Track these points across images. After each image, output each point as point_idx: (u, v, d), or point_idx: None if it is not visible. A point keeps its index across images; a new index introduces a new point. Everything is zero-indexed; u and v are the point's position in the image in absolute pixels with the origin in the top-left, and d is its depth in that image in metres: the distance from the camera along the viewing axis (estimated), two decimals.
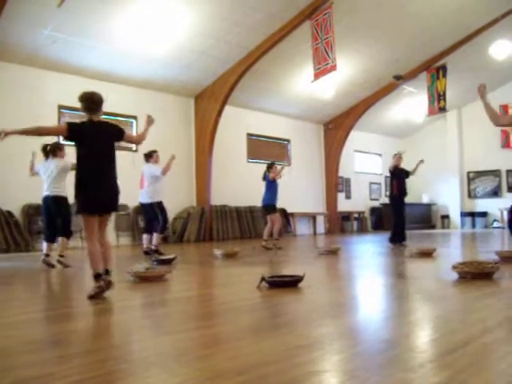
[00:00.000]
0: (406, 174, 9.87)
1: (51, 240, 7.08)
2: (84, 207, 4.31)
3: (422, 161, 10.08)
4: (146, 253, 8.69)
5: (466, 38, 14.94)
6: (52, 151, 7.03)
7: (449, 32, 14.41)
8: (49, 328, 3.21)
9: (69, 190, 7.15)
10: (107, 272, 4.31)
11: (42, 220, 11.27)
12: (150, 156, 8.93)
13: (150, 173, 8.78)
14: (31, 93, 11.44)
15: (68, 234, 7.14)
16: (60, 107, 11.82)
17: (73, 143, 4.40)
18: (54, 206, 6.98)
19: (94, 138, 4.35)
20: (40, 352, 2.59)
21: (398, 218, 9.63)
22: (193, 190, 14.74)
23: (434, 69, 16.23)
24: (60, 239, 7.03)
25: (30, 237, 11.08)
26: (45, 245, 7.04)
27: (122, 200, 11.34)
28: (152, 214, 8.82)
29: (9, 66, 11.13)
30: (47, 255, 6.91)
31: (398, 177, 9.69)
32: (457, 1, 12.95)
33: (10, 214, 10.86)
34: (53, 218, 7.06)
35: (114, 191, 4.46)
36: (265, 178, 9.90)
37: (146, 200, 8.86)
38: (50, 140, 7.23)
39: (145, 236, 9.01)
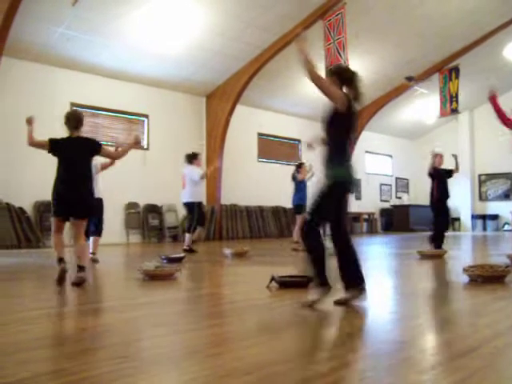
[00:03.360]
0: (448, 173, 9.27)
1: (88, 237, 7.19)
2: (52, 211, 4.93)
3: (455, 156, 9.57)
4: (185, 250, 8.77)
5: (479, 39, 14.82)
6: None
7: (462, 33, 14.31)
8: (60, 324, 3.24)
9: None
10: (81, 268, 4.77)
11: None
12: (193, 158, 9.26)
13: (190, 176, 9.13)
14: (43, 90, 11.51)
15: (100, 232, 7.29)
16: (72, 105, 11.87)
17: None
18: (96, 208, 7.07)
19: (68, 151, 4.90)
20: (51, 348, 2.61)
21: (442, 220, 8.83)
22: (203, 189, 14.74)
23: (447, 70, 16.12)
24: (92, 238, 7.10)
25: (41, 233, 11.16)
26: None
27: (132, 198, 11.49)
28: (193, 213, 9.15)
29: (22, 64, 11.20)
30: (93, 253, 7.05)
31: (439, 178, 9.06)
32: (470, 2, 12.87)
33: (21, 210, 10.95)
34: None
35: (82, 199, 4.89)
36: (293, 178, 9.91)
37: (187, 199, 9.20)
38: None
39: (187, 235, 9.21)
